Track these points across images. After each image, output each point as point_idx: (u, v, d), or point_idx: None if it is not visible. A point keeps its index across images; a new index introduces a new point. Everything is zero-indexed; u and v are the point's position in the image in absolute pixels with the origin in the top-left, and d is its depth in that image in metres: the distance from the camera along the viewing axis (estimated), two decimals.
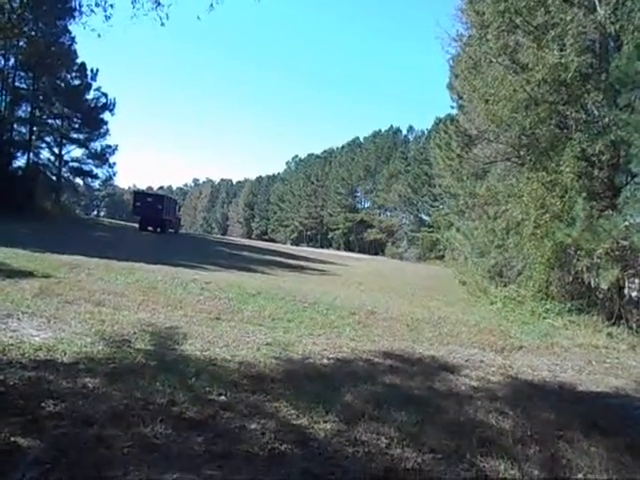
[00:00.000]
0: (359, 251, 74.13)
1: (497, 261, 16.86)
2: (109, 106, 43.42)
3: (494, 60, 14.80)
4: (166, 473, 3.26)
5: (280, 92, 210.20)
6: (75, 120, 42.61)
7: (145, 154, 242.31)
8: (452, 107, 31.77)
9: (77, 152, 43.99)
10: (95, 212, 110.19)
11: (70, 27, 35.88)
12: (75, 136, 43.09)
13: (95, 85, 42.57)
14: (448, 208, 35.06)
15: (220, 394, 4.73)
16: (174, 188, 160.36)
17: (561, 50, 12.51)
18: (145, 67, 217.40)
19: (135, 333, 6.69)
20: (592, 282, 12.53)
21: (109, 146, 44.52)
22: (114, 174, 47.31)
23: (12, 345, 5.42)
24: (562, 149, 13.03)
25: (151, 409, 4.18)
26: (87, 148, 43.87)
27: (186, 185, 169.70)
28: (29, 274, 10.43)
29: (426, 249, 59.66)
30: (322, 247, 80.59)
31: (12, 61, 35.73)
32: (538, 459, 4.08)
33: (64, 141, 42.57)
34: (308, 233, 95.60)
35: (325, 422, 4.36)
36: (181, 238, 41.22)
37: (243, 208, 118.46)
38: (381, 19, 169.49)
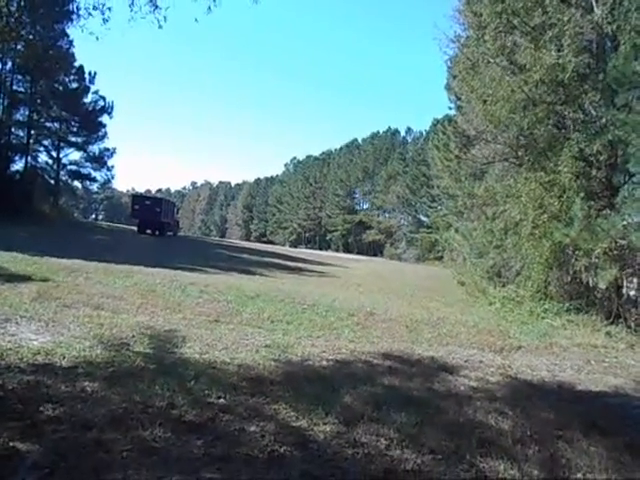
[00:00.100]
0: (358, 252, 74.16)
1: (496, 261, 16.87)
2: (107, 109, 43.44)
3: (492, 61, 14.82)
4: (165, 476, 3.25)
5: (278, 94, 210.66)
6: (73, 123, 42.56)
7: (143, 157, 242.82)
8: (450, 108, 31.80)
9: (75, 155, 44.04)
10: (93, 215, 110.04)
11: (68, 30, 36.00)
12: (73, 139, 43.06)
13: (93, 88, 42.63)
14: (446, 209, 35.10)
15: (219, 397, 4.73)
16: (172, 191, 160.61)
17: (558, 50, 12.53)
18: (143, 70, 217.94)
19: (134, 336, 6.68)
20: (590, 282, 12.55)
21: (107, 149, 44.58)
22: (112, 177, 47.34)
23: (10, 349, 5.41)
24: (560, 149, 13.05)
25: (150, 412, 4.18)
26: (85, 151, 43.84)
27: (184, 188, 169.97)
28: (27, 278, 10.42)
29: (425, 250, 59.66)
30: (321, 249, 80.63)
31: (10, 65, 35.70)
32: (537, 459, 4.08)
33: (62, 144, 42.54)
34: (307, 235, 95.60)
35: (324, 424, 4.36)
36: (180, 241, 41.19)
37: (241, 210, 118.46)
38: (379, 20, 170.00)
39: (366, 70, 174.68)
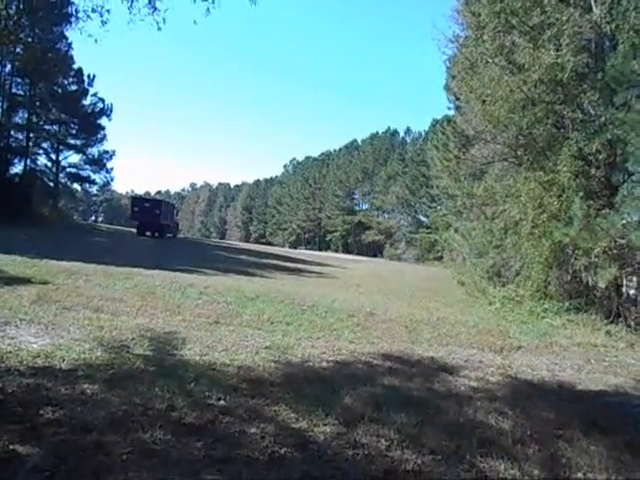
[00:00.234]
0: (357, 253, 74.14)
1: (495, 261, 16.88)
2: (106, 111, 43.48)
3: (491, 61, 14.84)
4: (166, 479, 3.26)
5: (277, 95, 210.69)
6: (72, 126, 42.56)
7: (142, 159, 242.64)
8: (449, 108, 31.89)
9: (74, 158, 44.04)
10: (93, 217, 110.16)
11: (67, 33, 36.01)
12: (72, 142, 43.07)
13: (92, 90, 42.63)
14: (446, 209, 35.11)
15: (219, 399, 4.73)
16: (172, 192, 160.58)
17: (557, 50, 12.54)
18: (142, 71, 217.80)
19: (134, 339, 6.68)
20: (590, 281, 12.54)
21: (106, 151, 44.57)
22: (111, 179, 47.31)
23: (10, 352, 5.41)
24: (559, 149, 13.07)
25: (150, 415, 4.18)
26: (84, 154, 43.84)
27: (184, 189, 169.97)
28: (27, 281, 10.42)
29: (424, 250, 59.63)
30: (320, 250, 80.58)
31: (9, 67, 35.71)
32: (538, 458, 4.08)
33: (61, 147, 42.56)
34: (306, 236, 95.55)
35: (325, 425, 4.36)
36: (179, 243, 41.18)
37: (241, 212, 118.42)
38: (377, 21, 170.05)
39: (365, 71, 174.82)
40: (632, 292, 13.02)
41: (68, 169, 44.21)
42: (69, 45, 38.00)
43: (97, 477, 3.20)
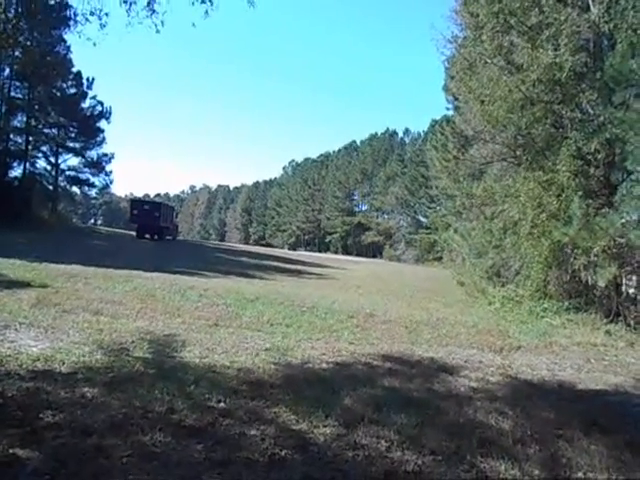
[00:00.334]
0: (357, 254, 74.19)
1: (495, 261, 16.87)
2: (105, 114, 43.46)
3: (489, 61, 14.84)
4: None
5: (275, 97, 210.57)
6: (71, 129, 42.55)
7: (141, 161, 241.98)
8: (448, 109, 32.01)
9: (73, 161, 44.05)
10: (92, 220, 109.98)
11: (65, 36, 36.02)
12: (71, 145, 43.04)
13: (91, 93, 42.64)
14: (445, 209, 35.11)
15: (219, 401, 4.73)
16: (171, 195, 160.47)
17: (555, 50, 12.54)
18: (140, 74, 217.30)
19: (133, 341, 6.68)
20: (590, 280, 12.53)
21: (105, 154, 44.55)
22: (111, 182, 47.29)
23: (10, 356, 5.41)
24: (558, 148, 13.07)
25: (150, 417, 4.18)
26: (83, 157, 43.84)
27: (183, 192, 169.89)
28: (26, 284, 10.42)
29: (424, 251, 59.63)
30: (320, 251, 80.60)
31: (7, 71, 35.71)
32: (538, 458, 4.08)
33: (60, 150, 42.53)
34: (306, 237, 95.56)
35: (325, 426, 4.36)
36: (179, 245, 41.18)
37: (240, 214, 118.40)
38: (375, 22, 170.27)
39: (363, 72, 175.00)
40: (631, 291, 13.02)
41: (67, 172, 44.27)
42: (68, 48, 38.05)
43: None
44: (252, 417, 4.42)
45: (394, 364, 7.00)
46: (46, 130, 41.06)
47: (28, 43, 30.06)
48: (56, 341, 6.30)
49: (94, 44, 8.35)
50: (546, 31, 12.65)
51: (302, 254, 56.75)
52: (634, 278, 13.04)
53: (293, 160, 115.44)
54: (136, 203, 43.77)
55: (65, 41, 36.96)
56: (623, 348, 9.67)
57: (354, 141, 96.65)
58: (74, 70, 40.58)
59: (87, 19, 8.10)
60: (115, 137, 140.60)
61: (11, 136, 37.55)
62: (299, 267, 29.06)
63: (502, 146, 17.01)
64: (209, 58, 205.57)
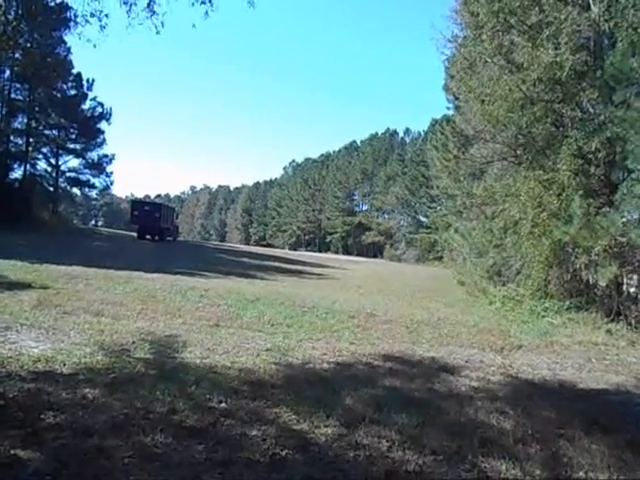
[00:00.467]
0: (357, 254, 74.15)
1: (495, 261, 16.87)
2: (105, 115, 43.52)
3: (489, 60, 14.84)
4: None
5: (275, 97, 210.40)
6: (71, 130, 42.58)
7: (142, 162, 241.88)
8: (448, 108, 31.97)
9: (74, 162, 44.09)
10: (93, 222, 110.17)
11: (65, 38, 36.13)
12: (72, 146, 43.10)
13: (91, 95, 42.73)
14: (446, 209, 35.08)
15: (220, 401, 4.73)
16: (172, 196, 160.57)
17: (556, 49, 12.53)
18: (140, 75, 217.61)
19: (134, 342, 6.69)
20: (590, 279, 12.53)
21: (106, 155, 44.60)
22: (111, 183, 47.33)
23: (11, 357, 5.42)
24: (558, 147, 13.06)
25: (151, 418, 4.18)
26: (84, 158, 43.88)
27: (183, 192, 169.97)
28: (27, 285, 10.44)
29: (424, 250, 59.60)
30: (320, 251, 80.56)
31: (8, 73, 35.79)
32: (539, 458, 4.08)
33: (61, 151, 42.59)
34: (306, 237, 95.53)
35: (326, 426, 4.36)
36: (179, 246, 41.20)
37: (241, 214, 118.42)
38: (375, 22, 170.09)
39: (363, 72, 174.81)
40: (632, 290, 13.00)
41: (68, 173, 44.31)
42: (68, 50, 38.13)
43: None
44: (253, 417, 4.42)
45: (395, 364, 7.00)
46: (46, 131, 41.13)
47: (28, 45, 30.20)
48: (57, 342, 6.31)
49: (94, 45, 8.35)
50: (546, 30, 12.63)
51: (303, 254, 56.77)
52: (635, 277, 13.03)
53: (293, 160, 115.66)
54: (137, 204, 43.89)
55: (65, 42, 37.13)
56: (624, 347, 9.67)
57: (354, 141, 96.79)
58: (74, 71, 40.73)
59: (87, 20, 8.10)
60: (115, 138, 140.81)
61: (12, 138, 37.63)
62: (300, 267, 29.07)
63: (502, 145, 17.00)
64: (209, 59, 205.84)
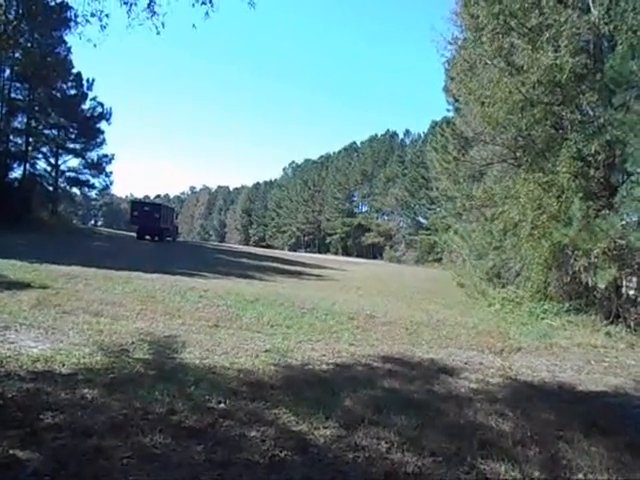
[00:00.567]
0: (357, 255, 74.20)
1: (495, 263, 16.87)
2: (105, 115, 43.49)
3: (489, 62, 14.84)
4: None
5: (276, 98, 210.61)
6: (71, 130, 42.56)
7: (142, 162, 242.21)
8: (448, 110, 32.00)
9: (74, 162, 44.06)
10: (92, 222, 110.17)
11: (66, 37, 36.11)
12: (71, 146, 43.06)
13: (91, 95, 42.69)
14: (445, 211, 35.09)
15: (219, 402, 4.72)
16: (171, 196, 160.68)
17: (556, 51, 12.54)
18: (140, 75, 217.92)
19: (133, 343, 6.68)
20: (590, 282, 12.52)
21: (105, 155, 44.55)
22: (111, 183, 47.28)
23: (10, 357, 5.41)
24: (558, 150, 13.06)
25: (150, 419, 4.17)
26: (83, 158, 43.84)
27: (183, 193, 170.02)
28: (27, 285, 10.43)
29: (424, 252, 59.59)
30: (320, 252, 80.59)
31: (8, 72, 35.77)
32: (538, 460, 4.08)
33: (60, 151, 42.56)
34: (306, 238, 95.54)
35: (325, 428, 4.35)
36: (179, 246, 41.21)
37: (240, 215, 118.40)
38: (376, 23, 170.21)
39: (363, 73, 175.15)
40: (632, 293, 13.00)
41: (67, 173, 44.28)
42: (68, 50, 38.14)
43: None
44: (252, 418, 4.42)
45: (394, 365, 7.00)
46: (46, 131, 41.11)
47: (29, 44, 30.20)
48: (56, 342, 6.31)
49: (94, 45, 8.34)
50: (546, 32, 12.64)
51: (302, 255, 56.79)
52: (634, 280, 13.03)
53: (293, 161, 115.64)
54: (136, 204, 43.95)
55: (65, 42, 37.13)
56: (623, 350, 9.67)
57: (354, 142, 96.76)
58: (74, 71, 40.71)
59: (88, 20, 8.09)
60: (115, 138, 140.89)
61: (11, 137, 37.62)
62: (299, 268, 29.06)
63: (502, 147, 17.02)
64: (209, 59, 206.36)
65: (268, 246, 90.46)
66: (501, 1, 13.14)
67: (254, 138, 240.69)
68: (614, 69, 10.57)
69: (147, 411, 4.32)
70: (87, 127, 42.71)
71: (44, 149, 41.73)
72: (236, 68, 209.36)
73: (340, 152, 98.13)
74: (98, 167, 44.46)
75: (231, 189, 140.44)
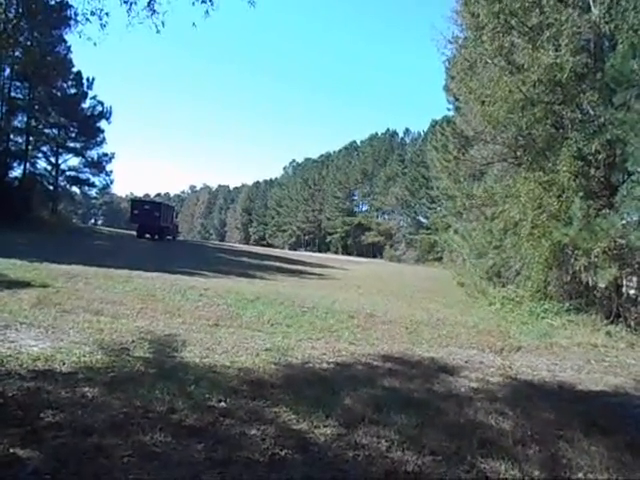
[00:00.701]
0: (357, 254, 74.21)
1: (495, 262, 16.87)
2: (105, 114, 43.47)
3: (490, 61, 14.84)
4: None
5: (276, 97, 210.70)
6: (71, 129, 42.55)
7: (142, 161, 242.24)
8: (448, 109, 31.96)
9: (74, 161, 44.06)
10: (93, 220, 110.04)
11: (66, 36, 36.11)
12: (71, 145, 43.04)
13: (91, 93, 42.68)
14: (446, 210, 35.04)
15: (220, 401, 4.73)
16: (171, 195, 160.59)
17: (556, 50, 12.54)
18: (140, 74, 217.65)
19: (134, 341, 6.68)
20: (590, 281, 12.53)
21: (105, 154, 44.55)
22: (111, 182, 47.28)
23: (10, 356, 5.41)
24: (558, 149, 13.05)
25: (151, 417, 4.17)
26: (84, 157, 43.84)
27: (183, 192, 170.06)
28: (27, 284, 10.42)
29: (424, 251, 59.64)
30: (320, 251, 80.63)
31: (8, 71, 35.75)
32: (538, 459, 4.08)
33: (60, 150, 42.53)
34: (306, 237, 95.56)
35: (325, 426, 4.35)
36: (179, 245, 41.21)
37: (241, 214, 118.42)
38: (376, 22, 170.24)
39: (364, 72, 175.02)
40: (632, 292, 13.00)
41: (67, 172, 44.26)
42: (68, 48, 38.12)
43: None
44: (252, 417, 4.42)
45: (394, 364, 7.00)
46: (46, 130, 41.08)
47: (28, 43, 30.15)
48: (57, 341, 6.31)
49: (94, 44, 8.36)
50: (547, 32, 12.64)
51: (302, 254, 56.81)
52: (634, 279, 13.03)
53: (294, 160, 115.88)
54: (136, 203, 43.83)
55: (65, 41, 37.13)
56: (623, 349, 9.67)
57: (354, 141, 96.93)
58: (74, 70, 40.68)
59: (88, 19, 8.11)
60: (115, 137, 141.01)
61: (11, 136, 37.61)
62: (299, 267, 29.07)
63: (502, 147, 17.00)
64: (209, 58, 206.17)
65: (268, 245, 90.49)
66: (501, 0, 13.13)
67: (254, 137, 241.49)
68: (615, 68, 10.56)
69: (147, 410, 4.32)
70: (87, 126, 42.69)
71: (44, 148, 41.73)
72: (236, 67, 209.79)
73: (340, 151, 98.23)
74: (98, 166, 44.46)
75: (231, 188, 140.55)
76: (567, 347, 9.47)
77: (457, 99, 23.50)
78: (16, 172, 38.30)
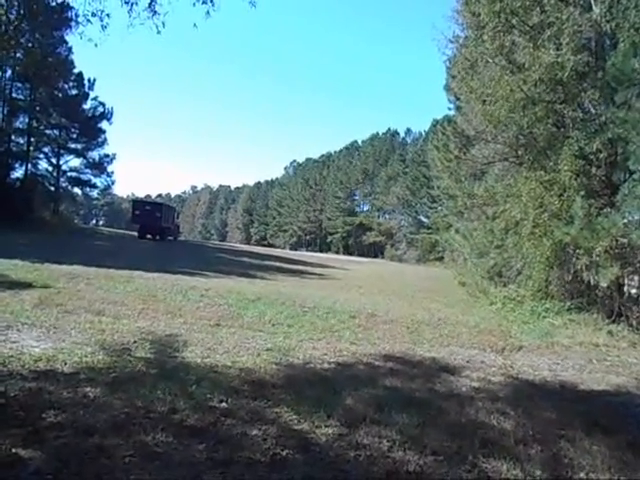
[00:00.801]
0: (358, 254, 74.19)
1: (496, 261, 16.85)
2: (106, 115, 43.52)
3: (491, 61, 14.82)
4: None
5: (277, 97, 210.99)
6: (73, 130, 42.60)
7: (143, 162, 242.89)
8: (449, 108, 31.94)
9: (75, 162, 44.13)
10: (94, 221, 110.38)
11: (67, 37, 36.15)
12: (73, 146, 43.11)
13: (92, 94, 42.76)
14: (447, 209, 34.98)
15: (221, 401, 4.73)
16: (172, 195, 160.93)
17: (557, 49, 12.52)
18: (141, 75, 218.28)
19: (135, 341, 6.69)
20: (591, 280, 12.50)
21: (107, 155, 44.63)
22: (112, 183, 47.43)
23: (12, 356, 5.42)
24: (560, 148, 13.03)
25: (152, 417, 4.18)
26: (85, 158, 43.91)
27: (184, 192, 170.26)
28: (28, 285, 10.43)
29: (425, 251, 59.63)
30: (321, 251, 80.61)
31: (9, 72, 35.82)
32: (540, 459, 4.08)
33: (62, 151, 42.60)
34: (307, 237, 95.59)
35: (326, 426, 4.35)
36: (180, 245, 41.21)
37: (242, 214, 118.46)
38: (376, 22, 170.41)
39: (364, 72, 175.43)
40: (634, 291, 12.97)
41: (69, 173, 44.34)
42: (69, 49, 38.18)
43: None
44: (254, 417, 4.42)
45: (396, 364, 7.00)
46: (48, 131, 41.16)
47: (30, 44, 30.24)
48: (58, 341, 6.31)
49: (95, 45, 8.35)
50: (548, 30, 12.62)
51: (303, 254, 56.80)
52: (636, 278, 13.00)
53: (295, 160, 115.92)
54: (138, 204, 43.88)
55: (67, 42, 37.18)
56: (625, 349, 9.66)
57: (355, 141, 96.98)
58: (76, 71, 40.77)
59: (89, 20, 8.10)
60: (116, 138, 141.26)
61: (13, 137, 37.65)
62: (300, 267, 29.06)
63: (504, 146, 16.97)
64: (210, 58, 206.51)
65: (269, 245, 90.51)
66: None
67: (255, 137, 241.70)
68: (616, 67, 10.55)
69: (149, 410, 4.32)
70: (88, 127, 42.74)
71: (46, 149, 41.79)
72: (237, 67, 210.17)
73: (341, 151, 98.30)
74: (99, 167, 44.52)
75: (232, 188, 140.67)
76: (569, 346, 9.47)
77: (458, 98, 23.49)
78: (18, 173, 38.45)
